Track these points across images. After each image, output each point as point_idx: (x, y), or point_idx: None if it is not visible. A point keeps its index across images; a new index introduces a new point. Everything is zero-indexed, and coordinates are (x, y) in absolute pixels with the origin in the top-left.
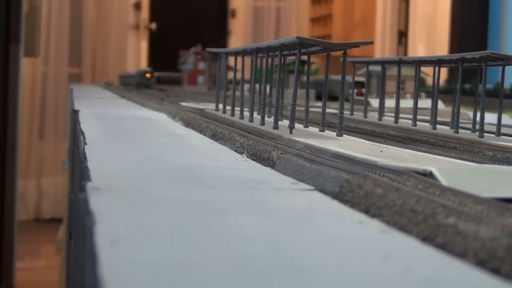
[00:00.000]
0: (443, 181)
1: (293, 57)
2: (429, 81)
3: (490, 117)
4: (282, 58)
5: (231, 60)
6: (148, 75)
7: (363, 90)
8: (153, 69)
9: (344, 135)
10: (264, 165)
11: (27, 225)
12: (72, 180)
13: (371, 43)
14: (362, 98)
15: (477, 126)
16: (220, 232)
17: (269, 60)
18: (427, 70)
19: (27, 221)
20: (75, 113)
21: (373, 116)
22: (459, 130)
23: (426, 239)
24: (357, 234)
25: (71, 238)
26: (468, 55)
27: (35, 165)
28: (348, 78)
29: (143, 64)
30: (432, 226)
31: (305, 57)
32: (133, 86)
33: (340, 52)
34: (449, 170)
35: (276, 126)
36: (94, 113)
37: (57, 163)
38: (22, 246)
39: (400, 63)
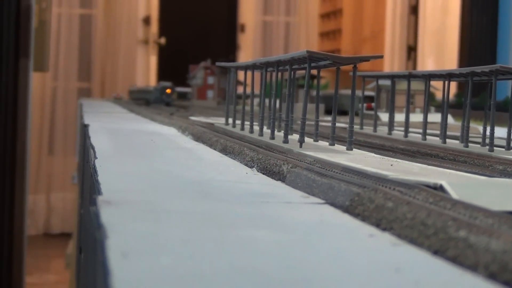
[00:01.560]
0: (454, 194)
1: (302, 72)
2: (439, 95)
3: (500, 131)
4: (292, 72)
5: (241, 75)
6: (168, 90)
7: (373, 104)
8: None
9: (354, 149)
10: (275, 179)
11: (37, 240)
12: (82, 194)
13: (381, 57)
14: (371, 112)
15: (487, 140)
16: (231, 245)
17: (279, 74)
18: (437, 84)
19: (36, 236)
20: (84, 128)
21: (382, 130)
22: (469, 144)
23: (437, 252)
24: (369, 247)
25: (81, 252)
26: (478, 69)
27: (44, 180)
28: (358, 92)
29: (152, 79)
30: (443, 239)
31: (314, 72)
32: (150, 102)
33: (349, 67)
34: (459, 184)
35: (286, 140)
36: (103, 127)
37: (66, 178)
38: (32, 261)
39: (409, 77)
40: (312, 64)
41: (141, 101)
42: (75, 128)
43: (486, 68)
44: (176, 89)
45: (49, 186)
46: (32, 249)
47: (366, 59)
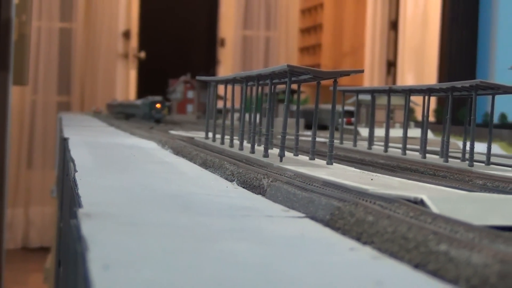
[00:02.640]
0: (434, 208)
1: (282, 86)
2: (418, 111)
3: (479, 147)
4: (273, 87)
5: (221, 89)
6: (158, 105)
7: (353, 119)
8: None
9: (334, 164)
10: (255, 193)
11: (15, 254)
12: (61, 208)
13: (362, 71)
14: (351, 127)
15: (467, 155)
16: (212, 258)
17: (259, 88)
18: (416, 100)
19: (14, 250)
20: (64, 141)
21: (362, 145)
22: (449, 159)
23: (418, 265)
24: (349, 260)
25: (60, 266)
26: (458, 84)
27: (23, 194)
28: (338, 107)
29: (132, 93)
30: (424, 253)
31: (294, 86)
32: (139, 118)
33: (330, 81)
34: (440, 198)
35: (266, 154)
36: (83, 141)
37: (45, 192)
38: (10, 275)
39: (390, 92)
40: (293, 79)
41: (124, 115)
42: (54, 142)
43: (466, 83)
44: (166, 104)
45: (28, 199)
46: (10, 263)
47: (346, 73)
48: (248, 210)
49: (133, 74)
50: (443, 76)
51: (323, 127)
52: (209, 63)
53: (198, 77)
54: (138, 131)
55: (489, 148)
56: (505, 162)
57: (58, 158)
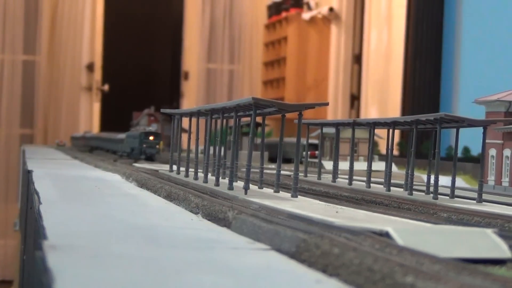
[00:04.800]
0: (400, 241)
1: (247, 119)
2: (382, 143)
3: (443, 180)
4: (237, 119)
5: (185, 122)
6: (152, 137)
7: (317, 152)
8: (101, 129)
9: (299, 196)
10: (220, 225)
11: None
12: (24, 240)
13: (327, 104)
14: (315, 160)
15: (431, 188)
16: None
17: (224, 121)
18: (380, 133)
19: None
20: (28, 174)
21: (326, 178)
22: (413, 192)
23: None
24: None
25: None
26: (423, 117)
27: None
28: (302, 140)
29: (96, 125)
30: (390, 285)
31: (258, 119)
32: (121, 154)
33: (293, 115)
34: (405, 230)
35: (231, 187)
36: (47, 173)
37: (8, 225)
38: None
39: (354, 125)
40: (258, 111)
41: (93, 150)
42: (17, 175)
43: (431, 116)
44: (160, 137)
45: None
46: None
47: (311, 106)
48: (213, 242)
49: (96, 107)
50: (407, 110)
51: (287, 160)
52: (173, 96)
53: (162, 110)
54: (102, 164)
55: (453, 181)
56: (469, 195)
57: (21, 191)
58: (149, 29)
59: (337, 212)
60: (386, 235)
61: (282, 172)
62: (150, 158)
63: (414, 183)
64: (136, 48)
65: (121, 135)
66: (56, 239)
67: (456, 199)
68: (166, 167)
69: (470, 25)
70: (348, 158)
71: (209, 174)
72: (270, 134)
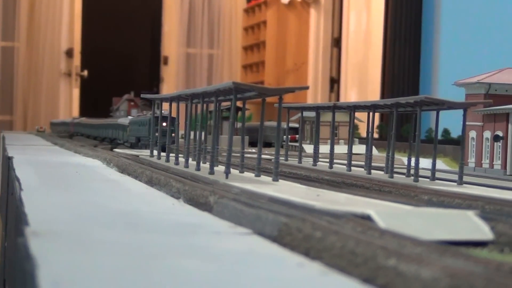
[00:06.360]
0: (382, 224)
1: (227, 104)
2: (362, 127)
3: (423, 162)
4: (218, 104)
5: (165, 106)
6: (165, 123)
7: (297, 136)
8: (83, 116)
9: (280, 180)
10: (201, 210)
11: None
12: (5, 227)
13: (307, 88)
14: (295, 144)
15: (412, 171)
16: (161, 275)
17: (204, 106)
18: (360, 116)
19: None
20: (8, 160)
21: (307, 161)
22: (394, 175)
23: (367, 280)
24: (298, 276)
25: (5, 285)
26: (403, 100)
27: None
28: (282, 124)
29: (75, 111)
30: (373, 268)
31: (239, 103)
32: (122, 142)
33: (274, 98)
34: (387, 213)
35: (212, 172)
36: (28, 159)
37: None
38: None
39: (334, 108)
40: (238, 96)
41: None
42: None
43: (411, 99)
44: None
45: None
46: None
47: (291, 90)
48: (195, 227)
49: (76, 93)
50: (386, 93)
51: (267, 144)
52: (153, 81)
53: (142, 95)
54: (82, 150)
55: (434, 164)
56: (450, 177)
57: (1, 177)
58: (128, 14)
59: (318, 195)
60: (368, 218)
61: (262, 156)
62: (163, 149)
63: (394, 165)
64: (115, 34)
65: (122, 120)
66: (38, 225)
67: (436, 181)
68: (147, 152)
69: (449, 8)
70: (329, 141)
71: (190, 159)
72: (250, 118)
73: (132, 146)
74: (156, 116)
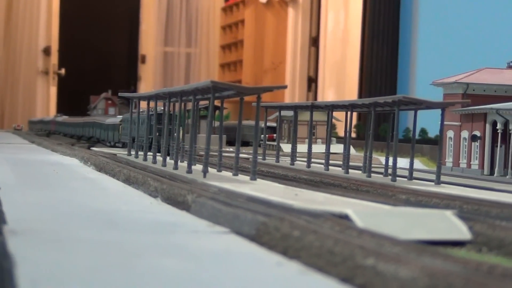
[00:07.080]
0: (360, 223)
1: (205, 103)
2: (339, 126)
3: (401, 162)
4: (196, 103)
5: (143, 105)
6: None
7: (274, 135)
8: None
9: (258, 179)
10: (179, 209)
11: None
12: None
13: (285, 87)
14: (273, 143)
15: (389, 170)
16: (139, 273)
17: (182, 105)
18: (338, 115)
19: None
20: None
21: (285, 160)
22: (372, 174)
23: (345, 280)
24: (276, 275)
25: None
26: (381, 99)
27: None
28: (260, 123)
29: (52, 109)
30: (351, 267)
31: (217, 102)
32: (113, 145)
33: (252, 97)
34: (365, 213)
35: (189, 170)
36: (5, 158)
37: None
38: None
39: (312, 107)
40: (216, 95)
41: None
42: None
43: (389, 98)
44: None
45: None
46: None
47: (269, 89)
48: (173, 226)
49: (53, 91)
50: (364, 92)
51: (245, 143)
52: (130, 80)
53: (120, 94)
54: (60, 148)
55: (411, 163)
56: (427, 177)
57: None
58: (105, 12)
59: (296, 194)
60: (346, 217)
61: (240, 155)
62: (168, 153)
63: (372, 165)
64: (93, 32)
65: (112, 120)
66: (16, 224)
67: (414, 181)
68: (124, 151)
69: (427, 7)
70: (306, 140)
71: (168, 158)
72: (227, 117)
73: (124, 146)
74: (159, 112)
